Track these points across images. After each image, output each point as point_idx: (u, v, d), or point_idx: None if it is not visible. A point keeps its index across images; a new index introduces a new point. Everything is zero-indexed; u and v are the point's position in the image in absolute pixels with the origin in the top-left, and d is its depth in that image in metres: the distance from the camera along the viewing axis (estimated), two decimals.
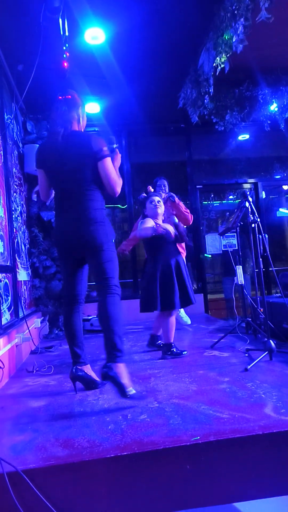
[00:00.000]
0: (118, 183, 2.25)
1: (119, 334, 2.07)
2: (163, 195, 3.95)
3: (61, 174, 2.24)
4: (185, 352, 3.03)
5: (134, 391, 2.02)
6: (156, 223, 2.96)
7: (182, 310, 4.14)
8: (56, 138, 2.25)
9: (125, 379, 2.01)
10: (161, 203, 3.15)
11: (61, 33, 3.24)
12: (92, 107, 5.09)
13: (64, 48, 3.41)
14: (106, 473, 1.48)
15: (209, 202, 6.94)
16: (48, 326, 4.60)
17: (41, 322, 4.32)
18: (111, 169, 2.22)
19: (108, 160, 2.21)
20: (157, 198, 3.14)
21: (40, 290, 4.62)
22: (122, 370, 2.02)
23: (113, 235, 2.31)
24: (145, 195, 3.28)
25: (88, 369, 2.34)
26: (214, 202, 6.98)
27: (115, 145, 2.41)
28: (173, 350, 3.00)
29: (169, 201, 3.99)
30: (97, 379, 2.33)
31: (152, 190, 3.47)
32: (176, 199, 4.02)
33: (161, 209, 3.12)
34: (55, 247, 2.61)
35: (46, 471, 1.45)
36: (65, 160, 2.21)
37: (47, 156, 2.28)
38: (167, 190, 4.09)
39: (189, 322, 4.12)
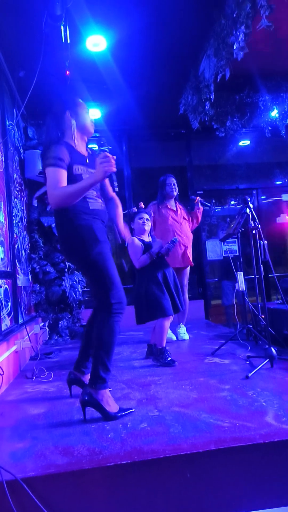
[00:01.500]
0: (52, 195, 1.91)
1: (104, 361, 1.92)
2: (175, 193, 4.05)
3: None
4: (175, 363, 2.96)
5: (116, 410, 1.93)
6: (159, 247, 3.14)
7: (182, 326, 4.07)
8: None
9: (107, 403, 1.92)
10: (149, 221, 3.31)
11: (63, 40, 3.26)
12: (93, 113, 5.12)
13: (67, 64, 3.44)
14: (106, 482, 1.47)
15: (210, 207, 6.93)
16: (47, 332, 4.59)
17: (40, 328, 4.31)
18: (49, 180, 1.93)
19: (47, 170, 1.95)
20: (146, 216, 3.28)
21: (40, 295, 4.61)
22: (103, 396, 1.92)
23: (91, 240, 1.98)
24: (136, 210, 3.33)
25: (86, 379, 2.25)
26: (215, 207, 6.98)
27: (105, 147, 2.02)
28: (164, 357, 2.97)
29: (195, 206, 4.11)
30: None
31: (143, 206, 3.49)
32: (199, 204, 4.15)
33: (148, 227, 3.28)
34: None
35: (46, 479, 1.43)
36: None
37: None
38: (177, 188, 4.08)
39: (174, 338, 4.00)
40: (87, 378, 2.27)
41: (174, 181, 4.07)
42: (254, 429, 1.67)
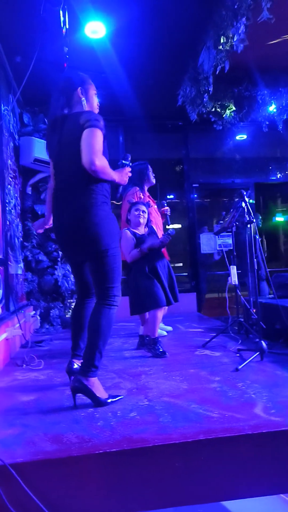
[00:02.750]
0: (93, 152, 1.86)
1: (100, 350, 1.94)
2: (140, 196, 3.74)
3: (59, 164, 2.08)
4: (167, 354, 2.95)
5: (106, 396, 1.96)
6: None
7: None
8: (49, 127, 2.14)
9: (97, 389, 1.94)
10: (146, 213, 3.28)
11: (62, 25, 3.21)
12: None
13: (65, 50, 3.38)
14: (95, 469, 1.47)
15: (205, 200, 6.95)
16: (39, 321, 4.58)
17: (32, 317, 4.29)
18: (93, 139, 1.87)
19: (92, 130, 1.88)
20: (143, 208, 3.26)
21: (32, 284, 4.60)
22: (93, 383, 1.94)
23: (117, 234, 2.03)
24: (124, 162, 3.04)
25: None
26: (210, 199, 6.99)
27: (125, 162, 2.14)
28: (156, 348, 2.95)
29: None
30: None
31: (142, 196, 3.43)
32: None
33: (143, 219, 3.26)
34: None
35: (34, 465, 1.43)
36: (61, 149, 2.04)
37: (47, 147, 2.17)
38: (152, 178, 3.80)
39: (164, 333, 3.96)
40: None
41: (144, 208, 3.85)
42: (243, 420, 1.68)
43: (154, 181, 3.84)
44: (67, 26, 3.38)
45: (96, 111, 2.18)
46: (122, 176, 2.07)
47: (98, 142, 1.89)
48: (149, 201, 3.69)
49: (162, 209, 3.95)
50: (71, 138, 1.96)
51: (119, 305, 2.06)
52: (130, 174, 2.13)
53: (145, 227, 3.31)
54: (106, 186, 2.03)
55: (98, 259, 1.97)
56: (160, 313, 3.07)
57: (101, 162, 1.88)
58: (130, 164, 2.16)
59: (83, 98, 2.09)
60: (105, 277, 1.98)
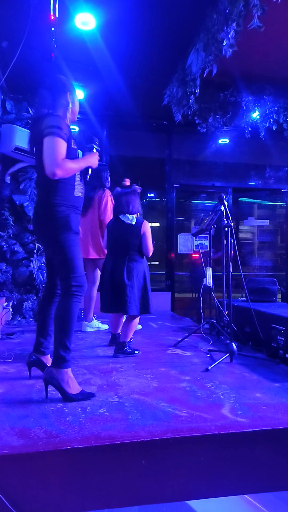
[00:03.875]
0: (53, 163, 1.97)
1: (65, 342, 1.99)
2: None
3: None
4: (137, 352, 2.97)
5: (77, 392, 1.99)
6: None
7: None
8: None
9: (67, 384, 1.97)
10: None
11: (51, 13, 3.15)
12: (76, 93, 5.00)
13: (53, 39, 3.32)
14: (61, 465, 1.47)
15: (186, 201, 6.99)
16: (11, 313, 4.50)
17: (4, 308, 4.22)
18: (52, 148, 1.97)
19: (50, 138, 1.98)
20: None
21: (6, 275, 4.50)
22: (64, 376, 1.98)
23: (69, 228, 2.09)
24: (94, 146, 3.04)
25: (46, 359, 2.31)
26: (193, 201, 7.04)
27: (94, 146, 2.30)
28: (126, 349, 2.94)
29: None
30: None
31: (129, 183, 3.42)
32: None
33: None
34: None
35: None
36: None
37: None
38: (108, 182, 3.90)
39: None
40: (47, 358, 2.31)
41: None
42: (210, 420, 1.71)
43: (108, 185, 3.90)
44: (57, 15, 3.32)
45: (76, 117, 2.30)
46: (92, 159, 2.20)
47: (57, 151, 1.98)
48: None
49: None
50: (37, 139, 2.10)
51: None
52: (98, 157, 2.27)
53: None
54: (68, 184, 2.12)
55: (52, 251, 2.14)
56: (137, 320, 3.03)
57: (62, 169, 2.00)
58: (99, 148, 2.33)
59: (70, 104, 2.20)
60: (61, 266, 2.09)
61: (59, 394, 1.99)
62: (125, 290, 2.86)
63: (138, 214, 3.07)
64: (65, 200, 2.09)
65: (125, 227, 2.97)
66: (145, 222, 3.01)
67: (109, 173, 3.92)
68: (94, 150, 2.29)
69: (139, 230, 2.95)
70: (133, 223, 2.96)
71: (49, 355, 2.33)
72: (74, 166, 2.06)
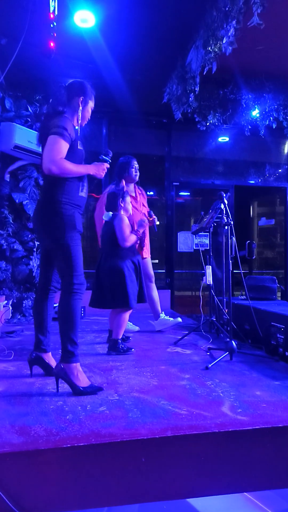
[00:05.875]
0: (50, 160, 2.01)
1: (72, 337, 2.06)
2: (137, 177, 3.68)
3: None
4: (132, 350, 2.96)
5: (87, 385, 2.05)
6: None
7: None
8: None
9: (77, 377, 2.04)
10: (130, 205, 3.20)
11: (51, 10, 3.14)
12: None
13: (52, 25, 3.31)
14: (61, 463, 1.47)
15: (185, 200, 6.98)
16: (11, 311, 4.50)
17: (4, 306, 4.22)
18: (52, 146, 2.01)
19: (54, 137, 2.02)
20: (129, 199, 3.16)
21: (5, 273, 4.50)
22: (74, 370, 2.04)
23: (74, 226, 2.12)
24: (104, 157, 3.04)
25: (47, 357, 2.33)
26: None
27: (105, 157, 2.29)
28: (118, 347, 2.93)
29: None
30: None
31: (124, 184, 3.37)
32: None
33: (130, 206, 3.16)
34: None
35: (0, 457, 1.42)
36: (41, 142, 2.20)
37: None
38: (133, 175, 3.64)
39: (136, 328, 3.94)
40: (48, 356, 2.34)
41: (137, 165, 3.66)
42: (210, 418, 1.72)
43: (136, 178, 3.69)
44: (56, 13, 3.31)
45: (84, 123, 2.31)
46: (99, 170, 2.23)
47: (57, 149, 2.02)
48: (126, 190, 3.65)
49: (151, 218, 3.78)
50: (44, 136, 2.13)
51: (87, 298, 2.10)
52: (105, 170, 2.28)
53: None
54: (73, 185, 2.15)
55: (55, 250, 2.15)
56: (128, 314, 3.02)
57: (58, 167, 2.02)
58: (110, 161, 2.31)
59: (80, 108, 2.24)
60: (64, 264, 2.12)
61: (60, 390, 2.01)
62: (102, 284, 2.98)
63: (122, 211, 3.07)
64: (71, 199, 2.13)
65: (106, 224, 3.08)
66: (118, 215, 3.01)
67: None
68: (105, 163, 2.28)
69: (112, 225, 3.01)
70: (107, 219, 3.05)
71: (50, 353, 2.35)
72: (72, 169, 2.07)
